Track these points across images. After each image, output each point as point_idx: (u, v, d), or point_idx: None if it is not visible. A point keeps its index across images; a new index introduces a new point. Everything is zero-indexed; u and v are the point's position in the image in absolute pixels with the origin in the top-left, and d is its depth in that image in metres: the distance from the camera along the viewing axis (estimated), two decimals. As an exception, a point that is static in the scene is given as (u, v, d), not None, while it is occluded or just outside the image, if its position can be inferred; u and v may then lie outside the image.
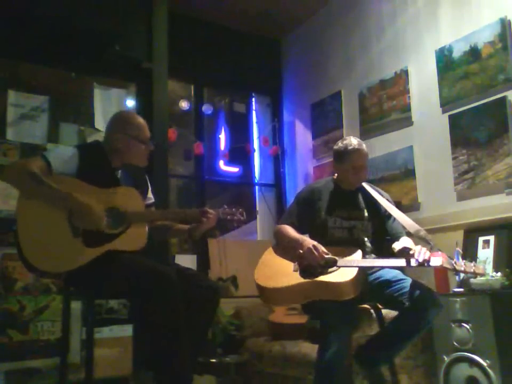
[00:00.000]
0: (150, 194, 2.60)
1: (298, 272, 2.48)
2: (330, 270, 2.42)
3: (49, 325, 3.29)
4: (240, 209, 2.51)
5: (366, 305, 2.79)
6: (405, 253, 2.36)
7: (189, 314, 2.21)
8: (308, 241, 2.51)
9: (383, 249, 2.63)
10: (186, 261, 4.13)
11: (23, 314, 3.24)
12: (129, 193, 2.37)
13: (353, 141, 2.67)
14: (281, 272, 2.51)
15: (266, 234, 4.79)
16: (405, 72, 3.91)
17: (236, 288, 3.96)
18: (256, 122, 5.20)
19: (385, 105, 4.03)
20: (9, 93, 3.53)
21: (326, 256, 2.44)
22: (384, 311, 2.71)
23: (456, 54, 3.53)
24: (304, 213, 2.71)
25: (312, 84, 4.84)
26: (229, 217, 2.49)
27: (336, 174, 2.77)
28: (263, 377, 3.48)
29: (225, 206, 2.51)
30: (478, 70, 3.39)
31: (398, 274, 2.52)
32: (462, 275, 2.98)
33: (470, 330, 2.79)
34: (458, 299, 2.88)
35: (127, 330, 3.42)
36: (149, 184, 2.62)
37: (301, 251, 2.49)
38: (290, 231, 2.64)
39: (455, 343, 2.85)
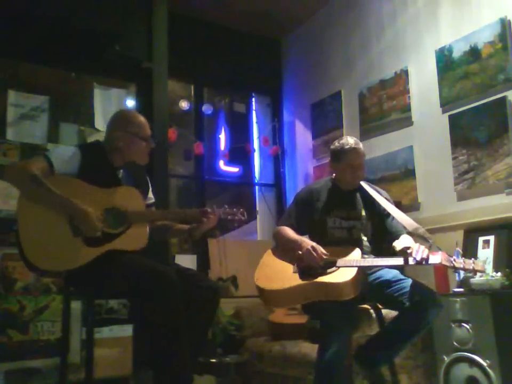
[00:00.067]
0: (150, 194, 2.60)
1: (297, 274, 2.48)
2: (329, 270, 2.41)
3: (49, 325, 3.29)
4: (241, 209, 2.52)
5: (366, 305, 2.79)
6: (404, 252, 2.36)
7: (189, 314, 2.22)
8: (307, 242, 2.51)
9: (383, 248, 2.63)
10: (186, 261, 4.13)
11: (23, 314, 3.24)
12: (130, 193, 2.37)
13: (349, 140, 2.68)
14: (281, 274, 2.51)
15: (266, 234, 4.79)
16: (405, 72, 3.91)
17: (236, 288, 3.96)
18: (256, 122, 5.20)
19: (385, 105, 4.04)
20: (9, 93, 3.53)
21: (325, 256, 2.44)
22: (384, 311, 2.71)
23: (456, 54, 3.53)
24: (303, 214, 2.71)
25: (312, 84, 4.84)
26: (229, 217, 2.49)
27: (334, 174, 2.77)
28: (263, 377, 3.48)
29: (225, 206, 2.51)
30: (478, 70, 3.39)
31: (397, 274, 2.52)
32: (462, 275, 2.99)
33: (470, 330, 2.79)
34: (458, 299, 2.88)
35: (127, 330, 3.42)
36: (150, 184, 2.63)
37: (300, 252, 2.49)
38: (289, 232, 2.64)
39: (455, 343, 2.85)
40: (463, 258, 2.33)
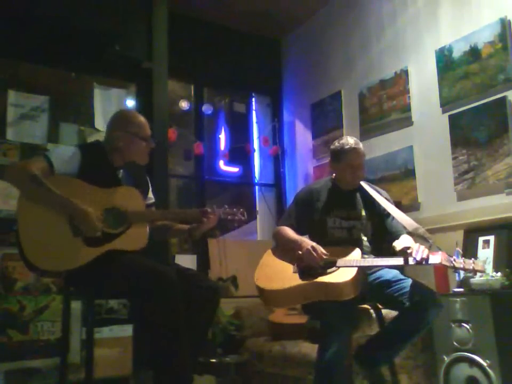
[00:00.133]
0: (150, 194, 2.60)
1: (297, 274, 2.48)
2: (329, 270, 2.41)
3: (49, 325, 3.29)
4: (241, 210, 2.51)
5: (366, 305, 2.79)
6: (404, 252, 2.36)
7: (189, 314, 2.22)
8: (307, 242, 2.51)
9: (383, 248, 2.63)
10: (186, 261, 4.13)
11: (23, 314, 3.24)
12: (130, 193, 2.37)
13: (349, 140, 2.68)
14: (281, 274, 2.51)
15: (266, 234, 4.79)
16: (405, 72, 3.91)
17: (236, 288, 3.96)
18: (256, 122, 5.20)
19: (385, 105, 4.04)
20: (9, 93, 3.53)
21: (325, 256, 2.44)
22: (384, 311, 2.71)
23: (456, 54, 3.53)
24: (303, 214, 2.71)
25: (312, 84, 4.84)
26: (229, 217, 2.49)
27: (334, 174, 2.77)
28: (263, 377, 3.48)
29: (226, 206, 2.50)
30: (478, 70, 3.39)
31: (397, 274, 2.53)
32: (462, 275, 2.99)
33: (470, 330, 2.79)
34: (458, 299, 2.88)
35: (127, 330, 3.42)
36: (150, 184, 2.63)
37: (300, 252, 2.49)
38: (289, 232, 2.64)
39: (455, 343, 2.85)
40: (463, 258, 2.33)
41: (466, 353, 2.80)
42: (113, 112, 2.66)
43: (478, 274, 2.84)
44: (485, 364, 2.69)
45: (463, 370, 2.82)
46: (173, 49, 4.01)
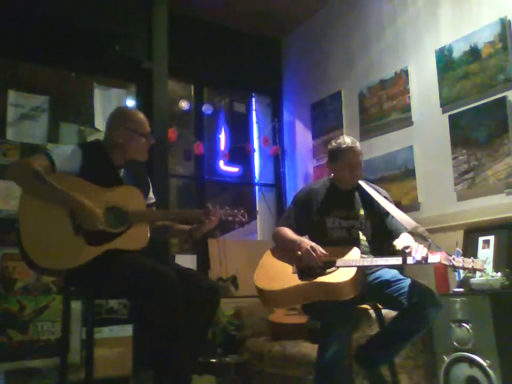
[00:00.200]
0: (151, 194, 2.60)
1: (297, 274, 2.48)
2: (329, 270, 2.42)
3: (49, 325, 3.29)
4: (242, 211, 2.51)
5: (366, 305, 2.79)
6: (403, 251, 2.36)
7: (189, 314, 2.21)
8: (306, 242, 2.51)
9: (383, 247, 2.63)
10: (186, 261, 4.13)
11: (23, 314, 3.24)
12: (131, 192, 2.37)
13: (346, 139, 2.68)
14: (280, 274, 2.51)
15: (266, 234, 4.79)
16: (405, 72, 3.91)
17: (236, 288, 3.96)
18: (256, 122, 5.20)
19: (385, 105, 4.03)
20: (9, 93, 3.53)
21: (324, 257, 2.44)
22: (384, 311, 2.71)
23: (456, 54, 3.53)
24: (302, 215, 2.71)
25: (312, 84, 4.84)
26: (230, 218, 2.49)
27: (332, 174, 2.77)
28: (263, 377, 3.48)
29: (226, 207, 2.50)
30: (478, 70, 3.39)
31: (397, 274, 2.53)
32: (462, 274, 2.99)
33: (470, 330, 2.79)
34: (458, 299, 2.88)
35: (127, 330, 3.42)
36: (151, 184, 2.63)
37: (299, 252, 2.49)
38: (288, 232, 2.64)
39: (455, 343, 2.85)
40: (462, 257, 2.32)
41: (466, 353, 2.80)
42: (113, 112, 2.66)
43: (478, 273, 2.85)
44: (485, 364, 2.70)
45: (463, 370, 2.82)
46: (173, 49, 4.01)
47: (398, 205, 2.89)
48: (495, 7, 3.35)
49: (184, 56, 4.56)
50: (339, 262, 2.43)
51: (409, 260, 2.31)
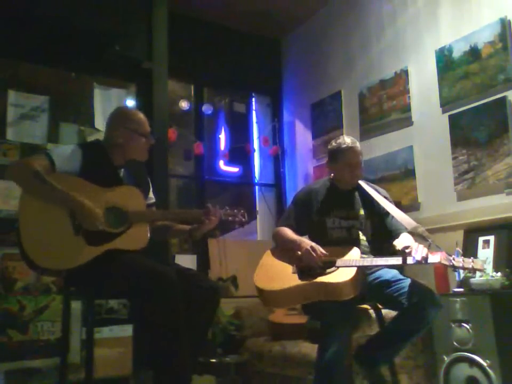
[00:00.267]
0: (151, 194, 2.60)
1: (297, 274, 2.48)
2: (329, 270, 2.42)
3: (49, 325, 3.29)
4: (242, 211, 2.51)
5: (366, 305, 2.79)
6: (404, 251, 2.36)
7: (189, 314, 2.21)
8: (306, 242, 2.51)
9: (383, 247, 2.63)
10: (186, 261, 4.13)
11: (23, 314, 3.24)
12: (131, 192, 2.37)
13: (346, 139, 2.68)
14: (280, 274, 2.51)
15: (266, 234, 4.79)
16: (405, 72, 3.91)
17: (236, 288, 3.96)
18: (256, 122, 5.20)
19: (385, 105, 4.03)
20: (9, 93, 3.53)
21: (324, 257, 2.44)
22: (384, 311, 2.71)
23: (456, 54, 3.53)
24: (302, 215, 2.71)
25: (312, 84, 4.84)
26: (230, 218, 2.49)
27: (332, 174, 2.77)
28: (263, 377, 3.48)
29: (226, 207, 2.50)
30: (478, 70, 3.39)
31: (397, 274, 2.53)
32: (462, 275, 2.99)
33: (470, 330, 2.79)
34: (458, 299, 2.88)
35: (127, 330, 3.42)
36: (151, 184, 2.63)
37: (299, 252, 2.49)
38: (288, 233, 2.64)
39: (455, 343, 2.85)
40: (462, 257, 2.32)
41: (466, 353, 2.80)
42: (113, 112, 2.66)
43: (478, 273, 2.85)
44: (485, 364, 2.70)
45: (463, 370, 2.82)
46: (173, 49, 4.01)
47: (398, 205, 2.89)
48: (495, 7, 3.35)
49: (184, 56, 4.56)
50: (339, 262, 2.43)
51: (409, 260, 2.31)
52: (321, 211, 2.68)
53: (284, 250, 2.63)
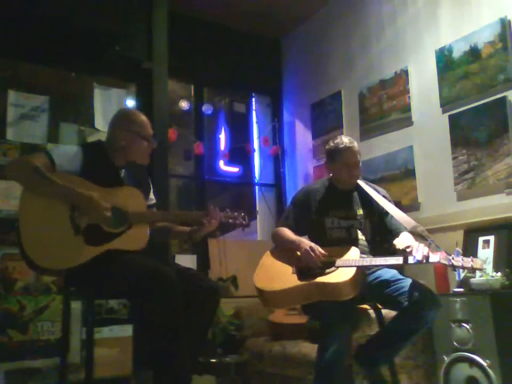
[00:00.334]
0: (152, 196, 2.60)
1: (296, 274, 2.48)
2: (328, 270, 2.42)
3: (49, 325, 3.29)
4: (242, 214, 2.51)
5: (365, 305, 2.79)
6: (404, 251, 2.36)
7: (189, 314, 2.21)
8: (305, 242, 2.51)
9: (382, 247, 2.63)
10: (186, 261, 4.13)
11: (23, 314, 3.24)
12: (131, 193, 2.37)
13: (344, 139, 2.68)
14: (280, 275, 2.51)
15: (266, 235, 4.78)
16: (405, 72, 3.91)
17: (236, 288, 3.96)
18: (256, 122, 5.20)
19: (385, 105, 4.03)
20: (9, 93, 3.53)
21: (324, 257, 2.44)
22: (384, 311, 2.72)
23: (456, 54, 3.53)
24: (301, 215, 2.71)
25: (312, 84, 4.84)
26: (230, 220, 2.49)
27: (331, 174, 2.78)
28: (263, 377, 3.48)
29: (227, 209, 2.50)
30: (478, 70, 3.39)
31: (396, 274, 2.53)
32: (462, 275, 2.99)
33: (470, 330, 2.79)
34: (458, 299, 2.88)
35: (127, 330, 3.42)
36: (151, 185, 2.62)
37: (299, 253, 2.49)
38: (287, 233, 2.64)
39: (455, 343, 2.85)
40: (461, 256, 2.32)
41: (466, 353, 2.80)
42: (113, 112, 2.66)
43: (478, 273, 2.85)
44: (485, 364, 2.70)
45: (463, 370, 2.82)
46: (173, 49, 4.01)
47: (398, 205, 2.89)
48: (495, 7, 3.35)
49: (184, 56, 4.56)
50: (338, 262, 2.43)
51: (410, 260, 2.31)
52: (320, 211, 2.68)
53: (283, 251, 2.63)
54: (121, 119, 2.49)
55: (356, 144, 2.69)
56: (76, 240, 2.21)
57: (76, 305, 3.20)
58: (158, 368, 2.16)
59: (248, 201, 5.11)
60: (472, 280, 2.91)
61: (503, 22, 3.26)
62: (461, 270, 2.93)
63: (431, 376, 3.03)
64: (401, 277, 2.49)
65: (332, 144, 2.71)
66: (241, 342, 3.73)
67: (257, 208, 5.02)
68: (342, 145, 2.65)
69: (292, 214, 2.75)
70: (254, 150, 5.09)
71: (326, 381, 2.34)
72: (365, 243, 2.63)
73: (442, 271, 3.17)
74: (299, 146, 4.95)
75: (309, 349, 3.05)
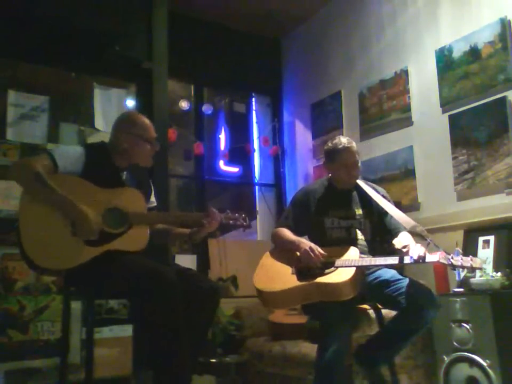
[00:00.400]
0: (153, 198, 2.60)
1: (296, 275, 2.48)
2: (328, 270, 2.41)
3: (49, 325, 3.29)
4: (243, 215, 2.51)
5: (365, 305, 2.79)
6: (401, 250, 2.36)
7: (189, 314, 2.22)
8: (305, 243, 2.51)
9: (382, 247, 2.63)
10: (186, 261, 4.13)
11: (23, 314, 3.24)
12: (132, 194, 2.37)
13: (342, 140, 2.68)
14: (279, 275, 2.51)
15: (266, 235, 4.78)
16: (405, 72, 3.91)
17: (236, 288, 3.96)
18: (256, 122, 5.20)
19: (385, 105, 4.03)
20: (9, 93, 3.53)
21: (323, 257, 2.44)
22: (384, 311, 2.71)
23: (456, 54, 3.53)
24: (301, 215, 2.71)
25: (312, 84, 4.84)
26: (231, 222, 2.49)
27: (330, 175, 2.78)
28: (263, 377, 3.48)
29: (228, 210, 2.50)
30: (478, 70, 3.39)
31: (395, 274, 2.53)
32: (461, 275, 2.99)
33: (470, 330, 2.79)
34: (458, 299, 2.88)
35: (127, 330, 3.42)
36: (153, 188, 2.62)
37: (298, 253, 2.49)
38: (287, 233, 2.64)
39: (455, 343, 2.85)
40: (461, 256, 2.32)
41: (466, 353, 2.80)
42: (113, 112, 2.67)
43: (478, 273, 2.85)
44: (485, 364, 2.70)
45: (463, 370, 2.82)
46: (173, 49, 4.01)
47: (398, 205, 2.89)
48: (495, 7, 3.35)
49: (184, 56, 4.56)
50: (338, 262, 2.43)
51: (407, 259, 2.31)
52: (319, 211, 2.68)
53: (283, 251, 2.63)
54: (124, 121, 2.49)
55: (354, 144, 2.69)
56: (76, 241, 2.21)
57: (76, 305, 3.20)
58: (158, 368, 2.16)
59: (248, 201, 5.11)
60: (472, 280, 2.91)
61: (503, 22, 3.26)
62: (460, 270, 2.93)
63: (431, 376, 3.03)
64: (400, 277, 2.49)
65: (330, 144, 2.71)
66: (241, 342, 3.74)
67: (257, 208, 5.02)
68: (340, 146, 2.65)
69: (291, 214, 2.74)
70: (254, 150, 5.10)
71: (326, 381, 2.34)
72: (365, 243, 2.63)
73: (442, 271, 3.17)
74: (299, 146, 4.95)
75: (309, 349, 3.05)
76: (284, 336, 3.50)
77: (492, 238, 3.14)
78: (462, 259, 2.27)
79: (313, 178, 4.59)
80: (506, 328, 2.70)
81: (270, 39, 5.16)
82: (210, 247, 4.42)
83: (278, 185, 5.08)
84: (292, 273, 2.49)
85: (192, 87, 4.96)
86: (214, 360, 3.42)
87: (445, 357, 2.90)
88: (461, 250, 2.99)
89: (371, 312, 2.84)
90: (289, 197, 4.81)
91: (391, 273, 2.52)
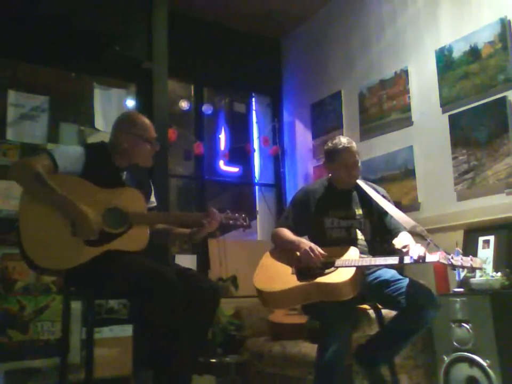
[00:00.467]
0: (153, 198, 2.60)
1: (296, 275, 2.48)
2: (328, 271, 2.41)
3: (49, 325, 3.29)
4: (243, 215, 2.51)
5: (365, 305, 2.79)
6: (401, 250, 2.36)
7: (189, 314, 2.22)
8: (305, 243, 2.51)
9: (382, 247, 2.63)
10: (186, 261, 4.13)
11: (23, 314, 3.24)
12: (132, 194, 2.37)
13: (342, 140, 2.68)
14: (279, 275, 2.51)
15: (266, 235, 4.78)
16: (405, 72, 3.91)
17: (236, 288, 3.96)
18: (256, 122, 5.20)
19: (385, 105, 4.03)
20: (9, 93, 3.53)
21: (323, 257, 2.44)
22: (384, 311, 2.71)
23: (456, 54, 3.53)
24: (301, 215, 2.71)
25: (312, 84, 4.84)
26: (231, 222, 2.49)
27: (330, 175, 2.78)
28: (263, 377, 3.48)
29: (228, 210, 2.50)
30: (478, 70, 3.39)
31: (395, 274, 2.53)
32: (461, 275, 2.99)
33: (470, 330, 2.79)
34: (458, 299, 2.88)
35: (127, 330, 3.42)
36: (153, 188, 2.62)
37: (298, 253, 2.49)
38: (287, 233, 2.64)
39: (455, 343, 2.85)
40: (461, 256, 2.32)
41: (466, 353, 2.80)
42: (113, 112, 2.67)
43: (478, 274, 2.85)
44: (485, 364, 2.70)
45: (463, 370, 2.82)
46: (173, 49, 4.01)
47: (398, 205, 2.89)
48: (495, 7, 3.35)
49: (184, 56, 4.56)
50: (338, 262, 2.43)
51: (406, 259, 2.31)
52: (319, 211, 2.68)
53: (283, 251, 2.63)
54: (124, 121, 2.50)
55: (354, 144, 2.69)
56: (76, 241, 2.21)
57: (76, 305, 3.20)
58: (158, 368, 2.16)
59: (248, 201, 5.11)
60: (472, 280, 2.91)
61: (503, 22, 3.26)
62: (460, 270, 2.93)
63: (431, 376, 3.03)
64: (400, 277, 2.49)
65: (330, 144, 2.71)
66: (241, 342, 3.74)
67: (257, 208, 5.02)
68: (340, 146, 2.65)
69: (291, 214, 2.74)
70: (254, 150, 5.10)
71: (326, 381, 2.34)
72: (364, 243, 2.63)
73: (442, 271, 3.17)
74: (299, 146, 4.95)
75: (309, 349, 3.05)
76: (284, 336, 3.50)
77: (491, 238, 3.14)
78: (462, 259, 2.27)
79: (313, 178, 4.59)
80: (506, 328, 2.70)
81: (270, 39, 5.16)
82: (210, 247, 4.42)
83: (278, 185, 5.08)
84: (292, 273, 2.49)
85: (192, 87, 4.96)
86: (214, 360, 3.42)
87: (445, 357, 2.90)
88: (461, 250, 2.99)
89: (371, 312, 2.84)
90: (289, 197, 4.81)
91: (391, 273, 2.52)
